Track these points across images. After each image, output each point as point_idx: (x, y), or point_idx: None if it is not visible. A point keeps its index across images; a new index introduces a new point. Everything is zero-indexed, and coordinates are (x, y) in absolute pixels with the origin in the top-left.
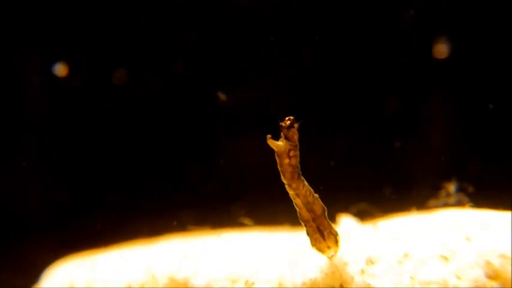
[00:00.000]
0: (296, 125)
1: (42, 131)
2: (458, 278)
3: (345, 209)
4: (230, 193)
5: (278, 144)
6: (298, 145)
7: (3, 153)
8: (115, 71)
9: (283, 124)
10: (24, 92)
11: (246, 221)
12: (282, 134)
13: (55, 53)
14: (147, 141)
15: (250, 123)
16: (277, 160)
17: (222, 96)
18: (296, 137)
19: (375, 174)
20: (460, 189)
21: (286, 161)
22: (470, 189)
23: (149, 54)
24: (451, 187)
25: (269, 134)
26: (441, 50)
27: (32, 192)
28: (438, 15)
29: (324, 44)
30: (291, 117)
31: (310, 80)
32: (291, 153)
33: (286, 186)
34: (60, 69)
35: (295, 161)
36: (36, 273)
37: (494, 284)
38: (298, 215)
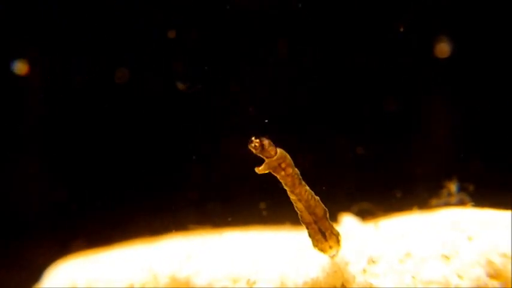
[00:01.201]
0: (265, 141)
1: (42, 130)
2: (460, 277)
3: (347, 209)
4: (231, 192)
5: (265, 167)
6: (282, 155)
7: (3, 153)
8: (115, 71)
9: (253, 150)
10: (24, 92)
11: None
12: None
13: (55, 53)
14: (147, 140)
15: (250, 122)
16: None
17: (181, 86)
18: (273, 151)
19: (376, 173)
20: (462, 189)
21: (282, 173)
22: (472, 188)
23: (149, 53)
24: (453, 186)
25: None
26: (442, 49)
27: (32, 192)
28: (438, 14)
29: (325, 43)
30: (256, 140)
31: (311, 80)
32: (282, 165)
33: (289, 193)
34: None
35: (291, 169)
36: (36, 273)
37: (495, 283)
38: (300, 217)
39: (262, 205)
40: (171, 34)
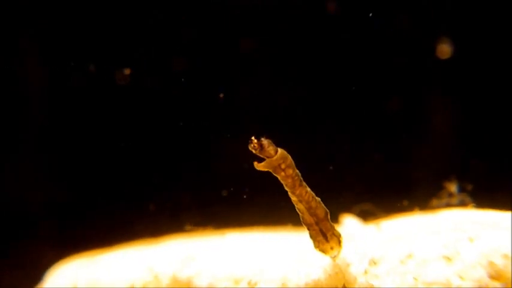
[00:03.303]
0: (265, 142)
1: (43, 130)
2: (462, 278)
3: (348, 210)
4: (232, 193)
5: (265, 165)
6: (283, 155)
7: (4, 152)
8: (115, 70)
9: (253, 150)
10: (24, 91)
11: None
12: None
13: (55, 52)
14: (149, 141)
15: (251, 122)
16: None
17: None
18: (273, 151)
19: (377, 174)
20: (463, 190)
21: (282, 174)
22: (473, 189)
23: (147, 53)
24: (454, 187)
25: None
26: (442, 49)
27: (34, 192)
28: (439, 14)
29: (326, 42)
30: (254, 141)
31: (312, 80)
32: (282, 166)
33: (289, 194)
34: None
35: (291, 170)
36: (38, 273)
37: (497, 284)
38: (301, 219)
39: (264, 206)
40: (170, 33)
